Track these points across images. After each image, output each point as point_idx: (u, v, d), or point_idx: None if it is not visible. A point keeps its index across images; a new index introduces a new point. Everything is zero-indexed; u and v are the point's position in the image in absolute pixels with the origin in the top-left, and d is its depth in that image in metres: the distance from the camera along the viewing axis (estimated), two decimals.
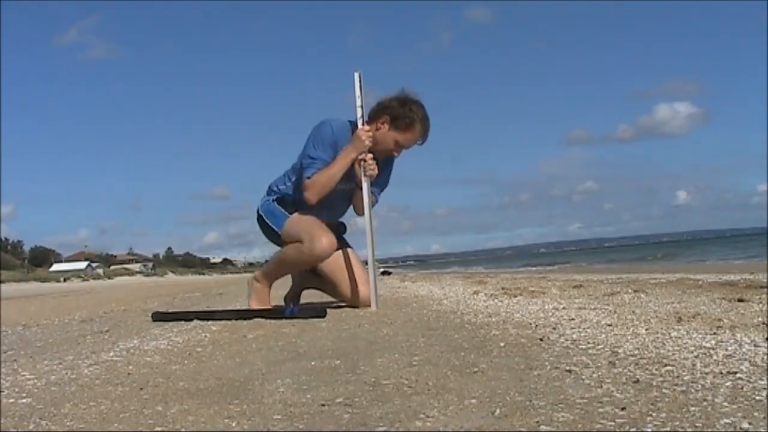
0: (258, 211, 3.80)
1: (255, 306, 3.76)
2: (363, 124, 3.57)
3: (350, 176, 3.61)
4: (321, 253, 3.50)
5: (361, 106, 3.60)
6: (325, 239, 3.50)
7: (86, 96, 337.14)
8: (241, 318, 3.35)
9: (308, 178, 3.52)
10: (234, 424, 1.30)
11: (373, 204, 3.67)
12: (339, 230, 3.83)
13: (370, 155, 3.53)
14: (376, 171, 3.57)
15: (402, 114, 3.51)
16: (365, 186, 3.58)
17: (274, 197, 3.77)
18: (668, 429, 1.13)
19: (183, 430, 1.28)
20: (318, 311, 3.29)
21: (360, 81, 3.62)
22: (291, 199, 3.72)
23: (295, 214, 3.66)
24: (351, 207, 3.84)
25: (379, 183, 3.73)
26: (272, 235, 3.75)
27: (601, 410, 1.26)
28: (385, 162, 3.69)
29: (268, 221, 3.75)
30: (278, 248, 3.75)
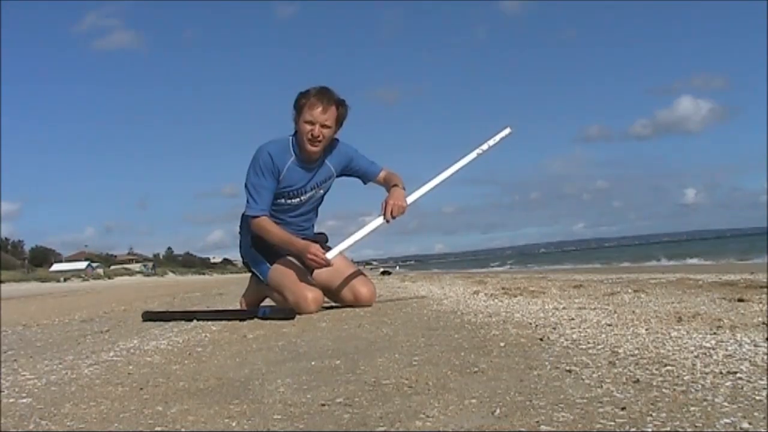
0: (240, 246, 3.88)
1: (243, 305, 4.06)
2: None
3: (320, 183, 3.70)
4: (307, 312, 3.50)
5: None
6: (310, 299, 3.54)
7: (92, 95, 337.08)
8: (217, 319, 3.46)
9: (255, 217, 3.58)
10: (234, 424, 1.30)
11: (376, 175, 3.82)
12: (320, 241, 3.84)
13: (317, 247, 3.55)
14: (327, 265, 3.56)
15: (298, 100, 3.56)
16: (378, 222, 3.65)
17: (247, 234, 3.77)
18: (668, 429, 1.13)
19: (183, 430, 1.28)
20: (286, 312, 3.35)
21: None
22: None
23: (278, 265, 3.69)
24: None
25: (366, 170, 3.80)
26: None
27: (601, 410, 1.26)
28: (338, 155, 3.72)
29: (253, 268, 3.85)
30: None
